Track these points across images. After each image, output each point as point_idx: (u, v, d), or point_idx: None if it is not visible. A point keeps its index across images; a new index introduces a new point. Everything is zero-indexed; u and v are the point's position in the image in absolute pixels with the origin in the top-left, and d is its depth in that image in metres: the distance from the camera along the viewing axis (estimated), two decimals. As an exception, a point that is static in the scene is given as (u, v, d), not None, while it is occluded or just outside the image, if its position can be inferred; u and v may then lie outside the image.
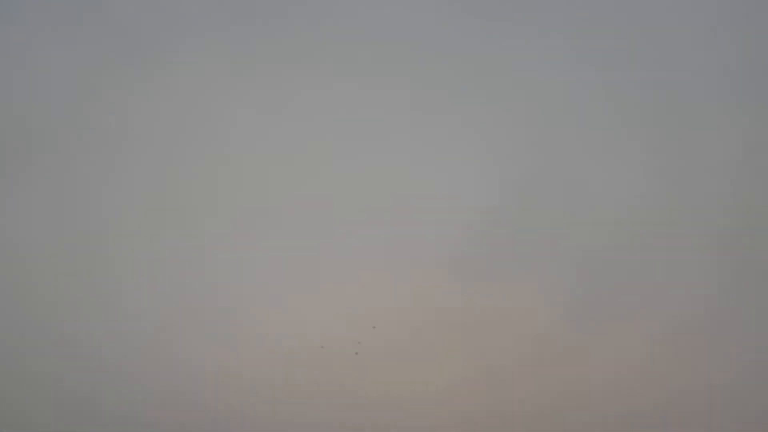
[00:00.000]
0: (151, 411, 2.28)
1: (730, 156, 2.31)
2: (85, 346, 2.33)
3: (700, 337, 2.27)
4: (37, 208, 2.33)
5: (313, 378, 2.29)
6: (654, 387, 2.28)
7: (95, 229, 2.34)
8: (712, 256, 2.29)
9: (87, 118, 2.32)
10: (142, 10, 2.30)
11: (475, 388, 2.30)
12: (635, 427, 2.23)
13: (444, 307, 2.34)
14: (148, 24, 2.32)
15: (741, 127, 2.31)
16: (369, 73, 2.34)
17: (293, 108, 2.35)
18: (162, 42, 2.30)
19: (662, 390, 2.28)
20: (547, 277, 2.33)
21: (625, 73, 2.31)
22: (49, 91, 2.30)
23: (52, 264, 2.32)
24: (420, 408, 2.31)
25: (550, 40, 2.31)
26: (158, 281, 2.33)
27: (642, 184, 2.34)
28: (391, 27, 2.30)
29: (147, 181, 2.35)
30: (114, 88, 2.30)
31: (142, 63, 2.30)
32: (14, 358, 2.26)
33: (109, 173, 2.33)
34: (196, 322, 2.33)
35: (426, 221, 2.37)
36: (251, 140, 2.35)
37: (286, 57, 2.31)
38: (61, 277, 2.30)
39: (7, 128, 2.31)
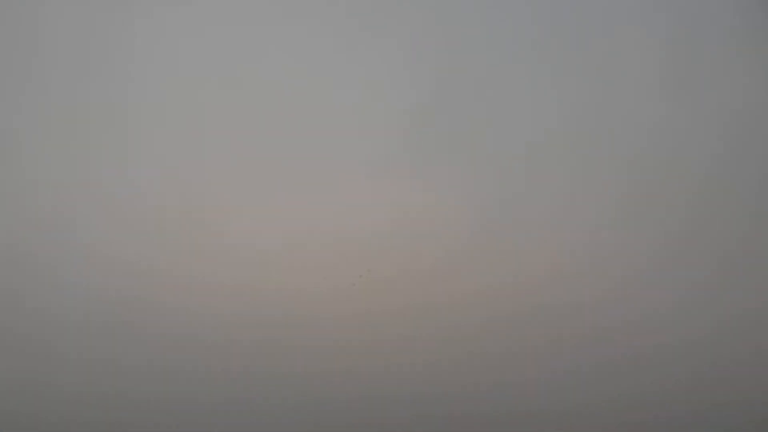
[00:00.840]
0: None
1: (651, 79, 2.42)
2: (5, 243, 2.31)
3: (614, 237, 2.45)
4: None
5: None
6: (577, 279, 2.43)
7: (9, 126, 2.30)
8: (624, 171, 2.45)
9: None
10: None
11: (408, 283, 2.40)
12: (558, 317, 2.41)
13: (372, 208, 2.40)
14: None
15: (663, 52, 2.41)
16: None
17: (204, 9, 2.33)
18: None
19: (583, 281, 2.44)
20: (473, 177, 2.41)
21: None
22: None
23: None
24: (352, 301, 2.40)
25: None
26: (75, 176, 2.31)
27: (562, 85, 2.41)
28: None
29: (63, 86, 2.30)
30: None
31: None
32: None
33: (22, 80, 2.28)
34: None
35: (349, 123, 2.40)
36: (170, 38, 2.32)
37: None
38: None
39: None
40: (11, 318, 2.24)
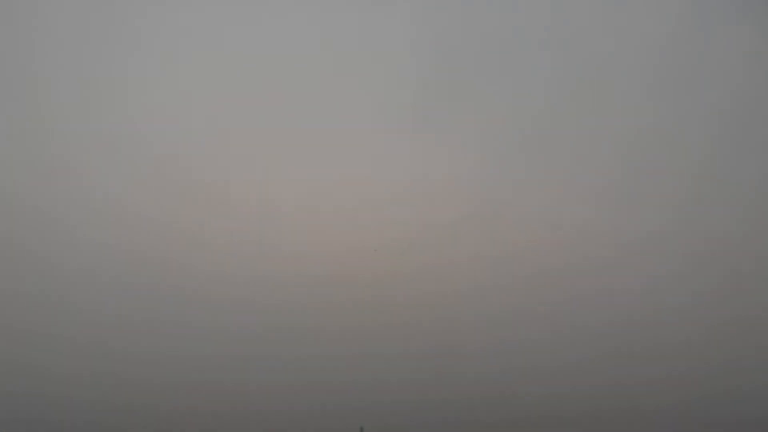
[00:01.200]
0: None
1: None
2: (42, 211, 2.42)
3: (615, 210, 2.54)
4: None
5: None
6: (581, 244, 2.54)
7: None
8: (625, 152, 2.53)
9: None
10: None
11: (427, 241, 2.52)
12: (564, 278, 2.52)
13: (391, 165, 2.50)
14: None
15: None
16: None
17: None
18: None
19: (587, 246, 2.53)
20: (485, 138, 2.51)
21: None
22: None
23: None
24: (370, 259, 2.52)
25: None
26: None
27: (566, 58, 2.50)
28: None
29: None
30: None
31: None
32: None
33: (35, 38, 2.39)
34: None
35: (360, 82, 2.51)
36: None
37: None
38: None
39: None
40: (21, 271, 2.33)
